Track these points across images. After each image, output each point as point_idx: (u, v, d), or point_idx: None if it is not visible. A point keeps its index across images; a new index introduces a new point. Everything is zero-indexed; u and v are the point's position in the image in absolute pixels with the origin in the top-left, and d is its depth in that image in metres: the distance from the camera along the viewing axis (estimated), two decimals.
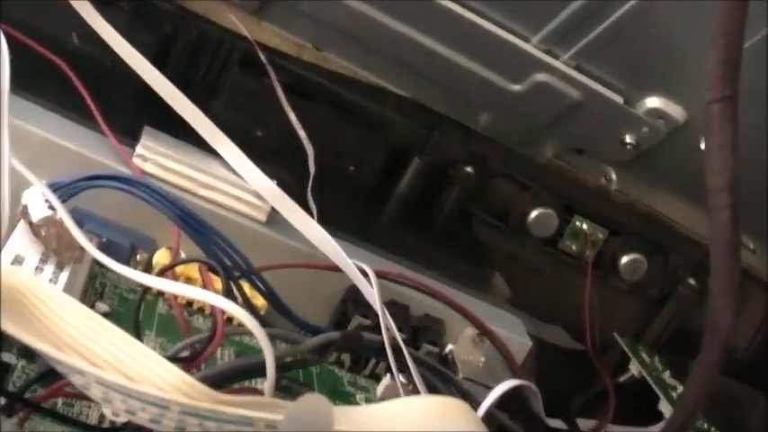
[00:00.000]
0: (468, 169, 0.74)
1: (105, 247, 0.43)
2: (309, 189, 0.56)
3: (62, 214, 0.36)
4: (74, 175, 0.39)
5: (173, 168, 0.47)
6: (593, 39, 0.59)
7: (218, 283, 0.41)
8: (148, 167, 0.47)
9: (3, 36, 0.31)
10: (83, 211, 0.44)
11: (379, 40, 0.61)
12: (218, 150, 0.50)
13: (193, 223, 0.40)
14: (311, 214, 0.51)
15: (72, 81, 0.49)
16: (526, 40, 0.61)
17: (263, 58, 0.61)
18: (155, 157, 0.47)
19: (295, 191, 0.51)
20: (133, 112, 0.55)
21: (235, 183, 0.50)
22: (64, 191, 0.39)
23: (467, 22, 0.58)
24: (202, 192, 0.48)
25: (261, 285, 0.44)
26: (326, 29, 0.61)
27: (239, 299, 0.42)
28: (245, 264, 0.43)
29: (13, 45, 0.36)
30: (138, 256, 0.47)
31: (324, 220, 0.50)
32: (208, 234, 0.40)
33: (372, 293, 0.45)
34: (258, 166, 0.50)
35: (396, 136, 0.72)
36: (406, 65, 0.63)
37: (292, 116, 0.60)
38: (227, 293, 0.39)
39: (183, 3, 0.61)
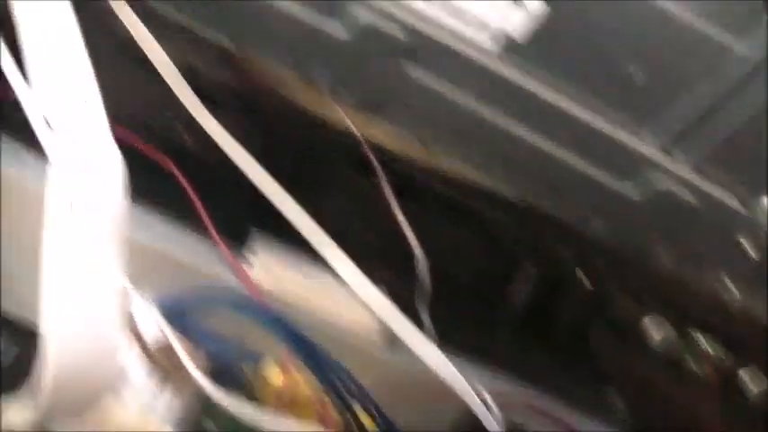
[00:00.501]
0: (582, 278, 0.70)
1: (213, 359, 0.41)
2: (420, 300, 0.53)
3: (172, 341, 0.33)
4: (184, 295, 0.37)
5: (282, 278, 0.45)
6: (716, 140, 0.55)
7: (330, 407, 0.38)
8: (258, 276, 0.44)
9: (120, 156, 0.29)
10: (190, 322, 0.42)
11: (491, 140, 0.58)
12: (328, 260, 0.47)
13: (307, 348, 0.37)
14: (423, 327, 0.49)
15: (180, 183, 0.47)
16: (644, 141, 0.57)
17: (371, 157, 0.58)
18: (264, 265, 0.44)
19: (405, 301, 0.49)
20: (242, 216, 0.53)
21: (346, 295, 0.46)
22: (172, 309, 0.36)
23: (581, 121, 0.55)
24: (313, 303, 0.46)
25: (377, 414, 0.40)
26: (437, 128, 0.58)
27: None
28: (360, 390, 0.40)
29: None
30: (244, 368, 0.44)
31: (435, 332, 0.48)
32: (323, 362, 0.37)
33: (491, 422, 0.41)
34: (367, 271, 0.48)
35: (507, 241, 0.69)
36: (519, 166, 0.60)
37: (402, 220, 0.58)
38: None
39: (293, 101, 0.59)
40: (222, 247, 0.47)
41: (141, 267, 0.41)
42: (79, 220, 0.27)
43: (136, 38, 0.45)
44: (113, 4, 0.43)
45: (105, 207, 0.28)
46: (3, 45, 0.31)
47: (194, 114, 0.47)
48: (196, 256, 0.45)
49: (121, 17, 0.44)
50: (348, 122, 0.59)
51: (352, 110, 0.58)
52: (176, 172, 0.48)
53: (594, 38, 0.48)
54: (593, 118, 0.55)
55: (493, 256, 0.70)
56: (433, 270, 0.57)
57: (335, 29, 0.49)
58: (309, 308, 0.47)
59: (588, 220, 0.63)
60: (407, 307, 0.48)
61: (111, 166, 0.29)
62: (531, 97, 0.51)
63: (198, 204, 0.47)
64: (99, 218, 0.28)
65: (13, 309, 0.44)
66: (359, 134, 0.59)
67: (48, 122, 0.29)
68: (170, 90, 0.47)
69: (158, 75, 0.46)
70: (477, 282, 0.69)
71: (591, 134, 0.56)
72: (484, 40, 0.48)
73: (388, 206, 0.59)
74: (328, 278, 0.48)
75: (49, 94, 0.30)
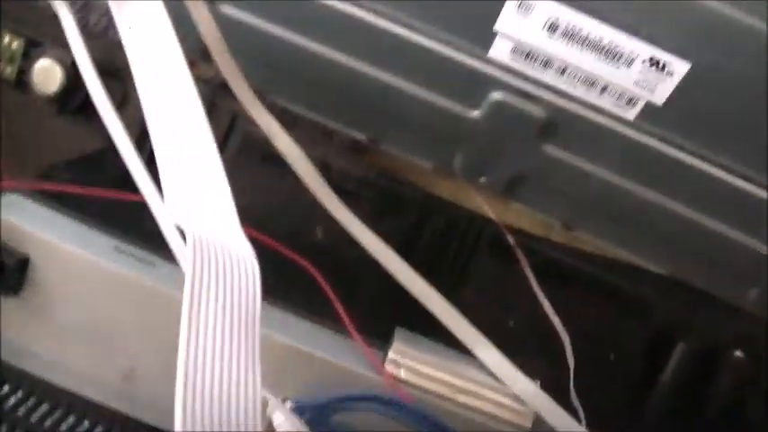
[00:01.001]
0: (739, 353, 0.66)
1: None
2: (572, 386, 0.50)
3: None
4: (324, 396, 0.36)
5: (428, 374, 0.43)
6: None
7: None
8: (402, 374, 0.43)
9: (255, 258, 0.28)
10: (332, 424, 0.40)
11: (635, 214, 0.55)
12: (473, 350, 0.46)
13: None
14: (576, 414, 0.47)
15: (317, 282, 0.46)
16: None
17: (511, 241, 0.57)
18: (408, 362, 0.43)
19: (553, 384, 0.47)
20: (382, 309, 0.51)
21: (494, 387, 0.45)
22: (314, 412, 0.35)
23: (729, 187, 0.52)
24: (460, 398, 0.44)
25: None
26: (577, 206, 0.56)
27: None
28: None
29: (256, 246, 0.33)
30: None
31: (587, 418, 0.46)
32: None
33: None
34: (512, 358, 0.47)
35: (657, 318, 0.66)
36: (663, 238, 0.56)
37: (545, 303, 0.56)
38: None
39: (428, 187, 0.59)
40: (363, 345, 0.45)
41: (281, 367, 0.41)
42: (216, 325, 0.26)
43: (269, 135, 0.45)
44: (247, 103, 0.43)
45: (242, 310, 0.27)
46: (135, 152, 0.31)
47: (330, 209, 0.46)
48: (338, 354, 0.44)
49: (254, 115, 0.44)
50: (485, 208, 0.57)
51: (489, 194, 0.57)
52: (314, 273, 0.46)
53: (736, 96, 0.45)
54: (744, 183, 0.52)
55: (642, 335, 0.66)
56: (580, 351, 0.55)
57: (469, 111, 0.48)
58: (455, 404, 0.45)
59: (744, 292, 0.59)
60: (555, 391, 0.47)
61: (247, 270, 0.28)
62: (673, 164, 0.49)
63: (336, 303, 0.46)
64: (236, 322, 0.26)
65: (144, 414, 0.43)
66: (497, 219, 0.57)
67: (181, 232, 0.28)
68: (304, 186, 0.47)
69: (292, 171, 0.46)
70: (626, 362, 0.66)
71: (740, 200, 0.52)
72: (623, 109, 0.46)
73: (530, 290, 0.57)
74: (473, 370, 0.45)
75: (183, 203, 0.30)
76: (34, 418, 0.41)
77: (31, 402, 0.42)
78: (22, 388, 0.42)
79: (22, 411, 0.41)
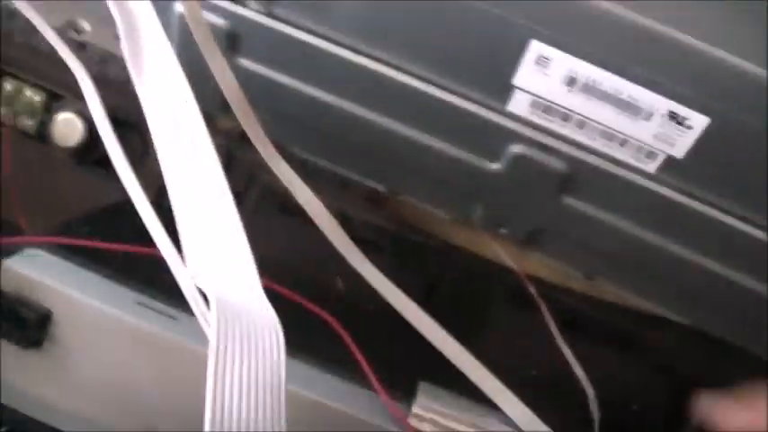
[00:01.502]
0: None
1: None
2: None
3: None
4: None
5: (452, 429, 0.43)
6: None
7: None
8: (426, 428, 0.42)
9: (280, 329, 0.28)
10: None
11: (654, 264, 0.55)
12: (498, 403, 0.45)
13: None
14: None
15: (338, 335, 0.46)
16: None
17: (532, 291, 0.56)
18: (432, 416, 0.42)
19: None
20: (404, 361, 0.51)
21: None
22: None
23: (750, 238, 0.51)
24: None
25: None
26: (598, 257, 0.56)
27: None
28: None
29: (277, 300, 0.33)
30: None
31: None
32: None
33: None
34: (535, 407, 0.46)
35: (681, 369, 0.64)
36: (685, 289, 0.56)
37: (568, 353, 0.55)
38: None
39: (446, 236, 0.58)
40: (389, 401, 0.45)
41: (303, 422, 0.40)
42: (242, 391, 0.25)
43: (289, 186, 0.45)
44: (266, 155, 0.43)
45: (267, 375, 0.27)
46: (152, 210, 0.31)
47: (350, 260, 0.46)
48: (361, 409, 0.43)
49: (273, 167, 0.44)
50: (505, 258, 0.57)
51: (509, 244, 0.57)
52: (336, 327, 0.46)
53: (758, 149, 0.45)
54: (766, 236, 0.51)
55: (667, 386, 0.66)
56: (602, 401, 0.54)
57: (489, 164, 0.48)
58: None
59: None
60: None
61: (271, 334, 0.28)
62: (694, 216, 0.48)
63: (359, 357, 0.45)
64: (261, 387, 0.26)
65: None
66: (517, 269, 0.57)
67: (202, 293, 0.28)
68: (323, 237, 0.46)
69: (311, 223, 0.46)
70: (648, 414, 0.65)
71: (763, 252, 0.52)
72: (643, 162, 0.46)
73: (552, 340, 0.56)
74: (498, 424, 0.45)
75: (203, 262, 0.30)
76: None
77: None
78: None
79: None
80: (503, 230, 0.52)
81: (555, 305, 0.59)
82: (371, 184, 0.53)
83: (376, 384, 0.44)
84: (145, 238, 0.31)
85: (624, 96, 0.43)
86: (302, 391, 0.42)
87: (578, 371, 0.54)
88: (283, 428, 0.26)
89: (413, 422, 0.43)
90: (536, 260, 0.59)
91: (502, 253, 0.57)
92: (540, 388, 0.57)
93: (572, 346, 0.55)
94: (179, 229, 0.31)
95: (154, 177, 0.52)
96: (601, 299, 0.62)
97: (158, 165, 0.33)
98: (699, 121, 0.43)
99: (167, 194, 0.33)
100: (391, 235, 0.60)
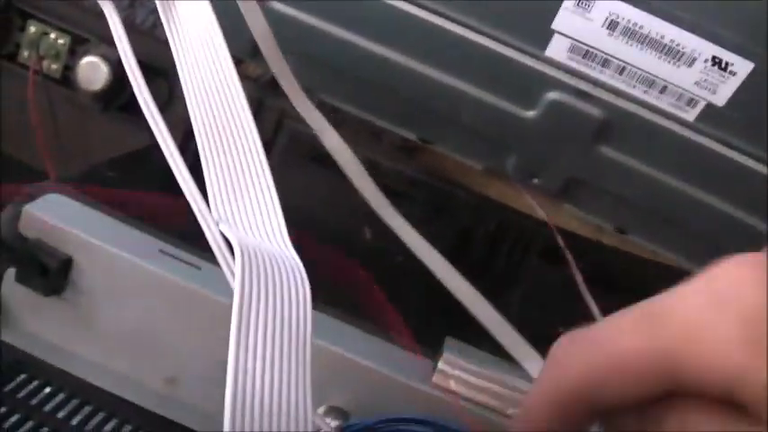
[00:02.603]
0: None
1: None
2: None
3: None
4: (373, 418, 0.37)
5: (478, 385, 0.42)
6: None
7: None
8: (452, 385, 0.42)
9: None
10: None
11: (690, 218, 0.53)
12: (522, 363, 0.44)
13: None
14: None
15: (363, 285, 0.45)
16: None
17: (562, 245, 0.55)
18: (458, 373, 0.42)
19: None
20: (430, 316, 0.50)
21: None
22: None
23: None
24: (510, 411, 0.42)
25: None
26: (632, 209, 0.54)
27: None
28: None
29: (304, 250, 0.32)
30: None
31: None
32: None
33: None
34: None
35: None
36: (720, 244, 0.55)
37: (595, 309, 0.54)
38: None
39: (481, 190, 0.57)
40: (410, 353, 0.44)
41: (327, 375, 0.40)
42: (266, 341, 0.25)
43: (318, 133, 0.44)
44: (296, 101, 0.42)
45: (293, 323, 0.26)
46: (178, 155, 0.30)
47: (378, 210, 0.45)
48: (386, 364, 0.42)
49: (303, 113, 0.43)
50: (538, 210, 0.55)
51: (542, 197, 0.55)
52: (365, 276, 0.45)
53: None
54: None
55: None
56: None
57: (525, 111, 0.46)
58: (504, 416, 0.44)
59: None
60: None
61: (297, 281, 0.27)
62: (732, 168, 0.47)
63: (390, 309, 0.44)
64: (286, 336, 0.25)
65: (187, 419, 0.42)
66: (549, 222, 0.55)
67: (226, 240, 0.27)
68: (352, 186, 0.45)
69: (340, 171, 0.45)
70: None
71: None
72: (682, 110, 0.44)
73: (580, 296, 0.55)
74: (523, 382, 0.44)
75: (228, 209, 0.29)
76: (76, 420, 0.40)
77: (72, 404, 0.41)
78: (65, 390, 0.41)
79: (63, 414, 0.40)
80: (536, 181, 0.51)
81: (585, 260, 0.58)
82: (403, 132, 0.52)
83: (408, 338, 0.43)
84: (169, 184, 0.30)
85: (666, 41, 0.41)
86: (326, 343, 0.41)
87: None
88: (308, 381, 0.25)
89: (438, 379, 0.42)
90: (567, 213, 0.57)
91: (534, 205, 0.56)
92: None
93: (601, 302, 0.54)
94: (205, 174, 0.30)
95: (179, 124, 0.51)
96: (632, 254, 0.60)
97: (183, 112, 0.32)
98: (742, 67, 0.41)
99: (191, 142, 0.32)
100: (422, 185, 0.58)
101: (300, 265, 0.27)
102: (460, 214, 0.58)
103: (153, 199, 0.48)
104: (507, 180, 0.53)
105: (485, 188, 0.58)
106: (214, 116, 0.32)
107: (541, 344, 0.44)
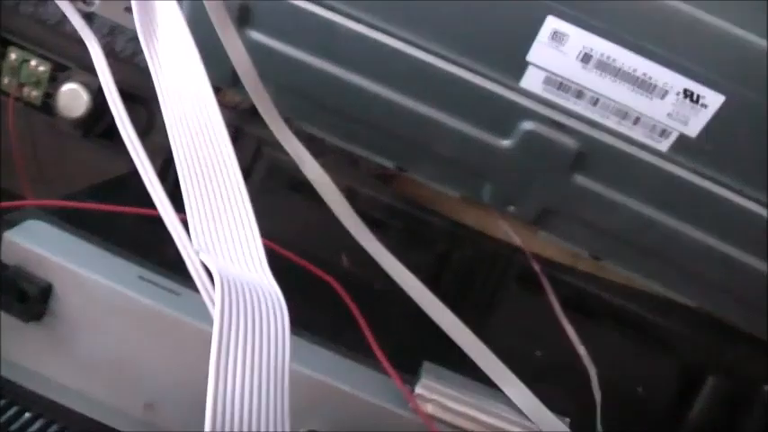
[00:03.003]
0: None
1: None
2: (598, 421, 0.49)
3: None
4: None
5: (455, 410, 0.43)
6: None
7: None
8: (429, 409, 0.42)
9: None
10: None
11: (663, 245, 0.54)
12: (501, 386, 0.44)
13: None
14: None
15: (342, 308, 0.45)
16: None
17: (538, 271, 0.56)
18: (436, 397, 0.42)
19: (582, 420, 0.46)
20: (409, 341, 0.50)
21: (522, 424, 0.44)
22: None
23: (760, 219, 0.50)
24: None
25: None
26: (606, 237, 0.55)
27: None
28: None
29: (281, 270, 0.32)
30: None
31: None
32: None
33: None
34: (538, 389, 0.45)
35: (686, 353, 0.64)
36: (692, 271, 0.55)
37: (572, 333, 0.55)
38: None
39: (454, 214, 0.58)
40: (397, 379, 0.44)
41: (305, 400, 0.40)
42: (245, 368, 0.25)
43: (297, 161, 0.45)
44: (275, 129, 0.43)
45: (271, 352, 0.26)
46: (158, 182, 0.31)
47: (357, 237, 0.46)
48: (364, 388, 0.43)
49: (282, 141, 0.43)
50: (514, 237, 0.56)
51: (518, 224, 0.56)
52: (343, 296, 0.46)
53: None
54: None
55: (671, 369, 0.65)
56: (607, 384, 0.53)
57: (500, 141, 0.47)
58: None
59: None
60: (583, 426, 0.46)
61: (276, 311, 0.27)
62: (705, 197, 0.48)
63: (366, 330, 0.45)
64: (265, 365, 0.26)
65: None
66: (525, 248, 0.56)
67: (206, 267, 0.27)
68: (330, 213, 0.46)
69: (318, 198, 0.45)
70: (653, 397, 0.65)
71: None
72: (655, 140, 0.45)
73: (557, 320, 0.56)
74: (501, 406, 0.44)
75: (208, 235, 0.29)
76: None
77: (52, 430, 0.41)
78: (44, 416, 0.41)
79: None
80: (512, 209, 0.51)
81: (561, 285, 0.59)
82: (381, 161, 0.53)
83: (382, 361, 0.43)
84: (149, 209, 0.31)
85: (639, 74, 0.42)
86: (304, 369, 0.42)
87: (580, 349, 0.54)
88: (287, 407, 0.26)
89: (416, 403, 0.43)
90: (543, 239, 0.58)
91: (510, 232, 0.56)
92: (545, 368, 0.57)
93: (577, 328, 0.55)
94: (185, 203, 0.30)
95: (158, 151, 0.51)
96: (608, 280, 0.61)
97: (163, 139, 0.32)
98: (714, 100, 0.42)
99: (170, 170, 0.32)
100: (400, 212, 0.59)
101: (279, 293, 0.28)
102: (437, 240, 0.59)
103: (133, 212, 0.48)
104: (484, 207, 0.54)
105: (461, 215, 0.59)
106: (194, 145, 0.32)
107: (520, 368, 0.45)
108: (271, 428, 0.25)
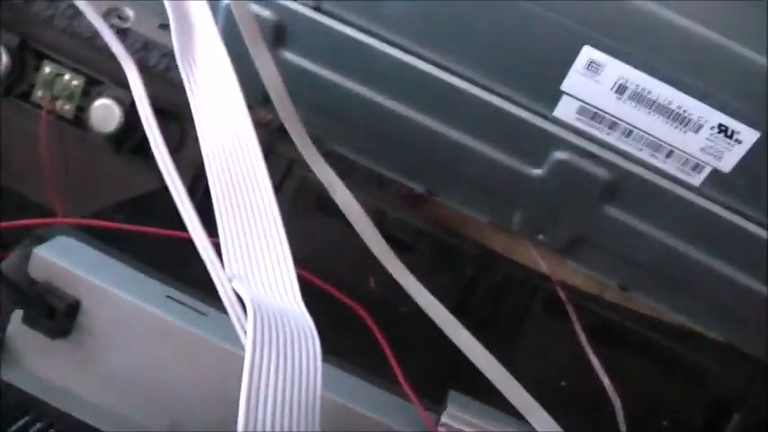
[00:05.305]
0: None
1: None
2: None
3: None
4: None
5: None
6: None
7: None
8: None
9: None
10: None
11: (693, 279, 0.54)
12: (527, 417, 0.44)
13: None
14: None
15: (368, 334, 0.45)
16: None
17: (563, 297, 0.55)
18: (461, 427, 0.42)
19: None
20: (436, 368, 0.50)
21: None
22: None
23: None
24: None
25: None
26: (635, 268, 0.55)
27: None
28: None
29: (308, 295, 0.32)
30: None
31: None
32: None
33: None
34: (562, 419, 0.44)
35: (714, 387, 0.63)
36: (722, 306, 0.55)
37: (597, 364, 0.54)
38: None
39: (485, 242, 0.58)
40: (421, 409, 0.44)
41: (332, 425, 0.40)
42: (276, 397, 0.25)
43: (325, 183, 0.44)
44: (304, 150, 0.43)
45: (303, 380, 0.26)
46: (188, 200, 0.30)
47: (383, 262, 0.45)
48: (389, 416, 0.42)
49: (310, 162, 0.43)
50: (541, 264, 0.56)
51: (546, 251, 0.56)
52: (370, 325, 0.45)
53: None
54: None
55: (697, 403, 0.64)
56: (632, 416, 0.53)
57: (531, 169, 0.47)
58: None
59: None
60: None
61: (308, 340, 0.27)
62: (736, 232, 0.47)
63: (391, 358, 0.44)
64: (296, 392, 0.26)
65: None
66: (553, 276, 0.56)
67: (240, 298, 0.27)
68: (359, 236, 0.46)
69: (346, 220, 0.45)
70: (679, 430, 0.64)
71: None
72: (688, 174, 0.45)
73: (583, 350, 0.55)
74: None
75: (240, 259, 0.29)
76: None
77: None
78: None
79: None
80: (541, 237, 0.51)
81: (588, 314, 0.58)
82: (411, 184, 0.53)
83: (407, 390, 0.43)
84: (179, 226, 0.31)
85: (674, 107, 0.42)
86: (327, 394, 0.41)
87: (605, 381, 0.53)
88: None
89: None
90: (571, 267, 0.58)
91: (538, 260, 0.56)
92: (570, 398, 0.56)
93: (604, 358, 0.54)
94: (219, 228, 0.30)
95: (189, 168, 0.51)
96: (635, 310, 0.60)
97: (194, 156, 0.32)
98: (749, 136, 0.42)
99: (201, 183, 0.32)
100: (428, 236, 0.59)
101: (311, 323, 0.28)
102: (465, 266, 0.59)
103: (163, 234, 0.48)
104: (512, 233, 0.53)
105: (489, 240, 0.59)
106: (229, 169, 0.32)
107: (545, 397, 0.45)
108: None
